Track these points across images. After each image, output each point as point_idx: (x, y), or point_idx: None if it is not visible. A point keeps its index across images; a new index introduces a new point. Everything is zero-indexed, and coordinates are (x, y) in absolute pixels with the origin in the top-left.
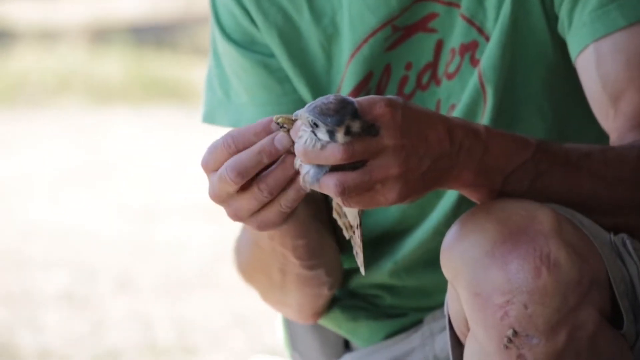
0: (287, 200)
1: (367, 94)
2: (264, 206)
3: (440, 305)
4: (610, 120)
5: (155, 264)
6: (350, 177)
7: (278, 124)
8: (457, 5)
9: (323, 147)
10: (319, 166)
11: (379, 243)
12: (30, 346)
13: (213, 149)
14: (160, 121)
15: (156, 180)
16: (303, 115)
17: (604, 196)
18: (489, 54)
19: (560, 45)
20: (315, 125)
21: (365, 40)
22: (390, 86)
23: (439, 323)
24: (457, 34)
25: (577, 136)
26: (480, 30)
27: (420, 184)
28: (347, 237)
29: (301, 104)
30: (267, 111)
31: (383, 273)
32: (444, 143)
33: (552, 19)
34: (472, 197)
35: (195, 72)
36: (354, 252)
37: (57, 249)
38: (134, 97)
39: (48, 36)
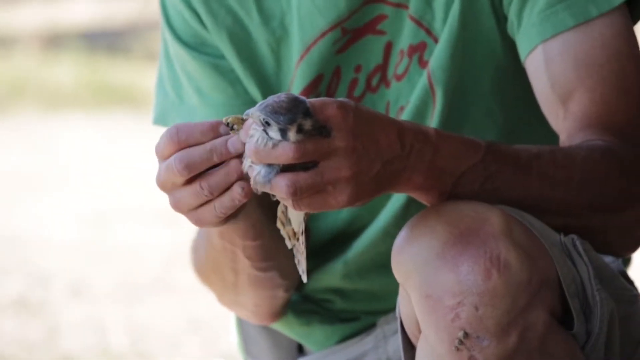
0: (221, 205)
1: (317, 96)
2: (203, 204)
3: (393, 308)
4: (560, 121)
5: (109, 269)
6: (302, 177)
7: (227, 124)
8: (406, 7)
9: (274, 145)
10: (270, 166)
11: (329, 245)
12: None
13: (162, 138)
14: (113, 127)
15: (110, 185)
16: (255, 114)
17: (553, 197)
18: (437, 55)
19: (510, 46)
20: (267, 123)
21: (314, 42)
22: (340, 89)
23: (391, 326)
24: (406, 35)
25: (527, 137)
26: (429, 31)
27: (371, 187)
28: (290, 247)
29: (253, 105)
30: (220, 112)
31: (334, 276)
32: (394, 146)
33: (501, 19)
34: (423, 199)
35: (148, 78)
36: (296, 261)
37: (11, 255)
38: (87, 103)
39: (1, 43)
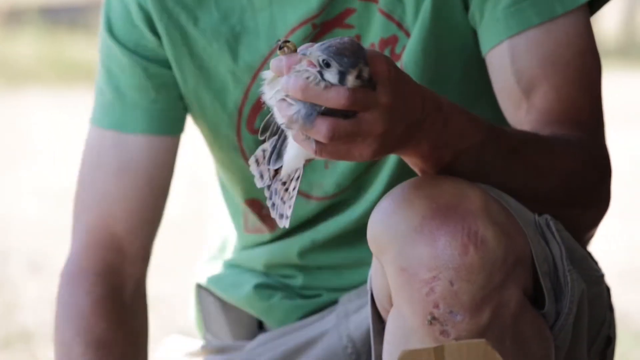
0: None
1: None
2: None
3: (354, 285)
4: (523, 114)
5: (68, 246)
6: (343, 125)
7: (279, 42)
8: (375, 1)
9: (326, 87)
10: (312, 107)
11: (299, 221)
12: None
13: None
14: (74, 102)
15: (70, 162)
16: (314, 54)
17: (535, 185)
18: (410, 49)
19: (474, 37)
20: (327, 65)
21: (286, 37)
22: None
23: (353, 304)
24: (376, 29)
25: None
26: (400, 25)
27: (391, 145)
28: (259, 186)
29: (170, 112)
30: (136, 114)
31: (299, 252)
32: (417, 109)
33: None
34: (418, 168)
35: None
36: (269, 203)
37: None
38: (48, 79)
39: None
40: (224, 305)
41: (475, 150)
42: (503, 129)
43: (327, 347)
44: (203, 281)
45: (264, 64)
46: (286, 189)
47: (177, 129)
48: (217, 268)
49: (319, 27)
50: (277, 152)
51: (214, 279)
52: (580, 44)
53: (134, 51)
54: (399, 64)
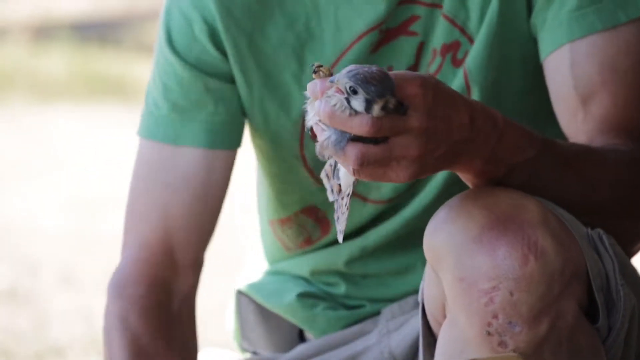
0: None
1: None
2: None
3: (397, 296)
4: (579, 122)
5: (98, 258)
6: (372, 150)
7: (314, 67)
8: (440, 6)
9: (352, 115)
10: (342, 133)
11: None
12: None
13: None
14: (103, 117)
15: (100, 174)
16: (342, 81)
17: (588, 198)
18: (474, 54)
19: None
20: (354, 92)
21: (351, 46)
22: None
23: (396, 320)
24: (439, 34)
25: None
26: (463, 30)
27: (433, 166)
28: (331, 200)
29: (228, 126)
30: (194, 128)
31: (346, 259)
32: (465, 128)
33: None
34: (471, 182)
35: (138, 69)
36: (335, 217)
37: (0, 244)
38: (78, 94)
39: None
40: (264, 312)
41: (529, 164)
42: (556, 142)
43: None
44: (243, 288)
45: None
46: (345, 204)
47: (234, 143)
48: (259, 275)
49: (384, 33)
50: (335, 169)
51: (255, 286)
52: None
53: (194, 65)
54: (461, 70)
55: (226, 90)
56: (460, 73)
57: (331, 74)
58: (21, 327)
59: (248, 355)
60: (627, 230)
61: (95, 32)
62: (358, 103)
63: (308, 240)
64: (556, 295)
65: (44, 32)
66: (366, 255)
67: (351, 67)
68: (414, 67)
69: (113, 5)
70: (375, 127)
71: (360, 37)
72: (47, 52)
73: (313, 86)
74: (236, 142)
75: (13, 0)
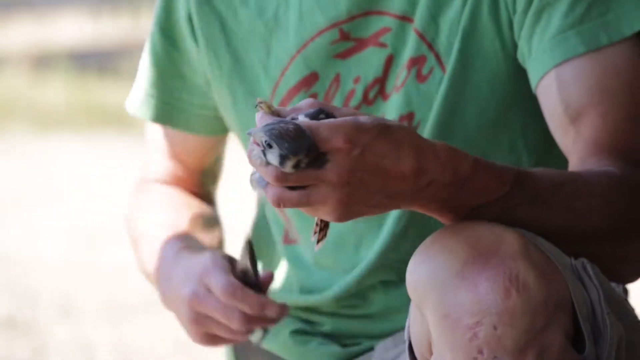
0: None
1: (310, 95)
2: None
3: (390, 332)
4: (570, 144)
5: (98, 289)
6: (288, 195)
7: (257, 103)
8: (411, 20)
9: (263, 163)
10: None
11: (331, 266)
12: None
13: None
14: (103, 147)
15: (99, 205)
16: (257, 135)
17: (572, 228)
18: (445, 78)
19: (518, 74)
20: (269, 146)
21: (312, 39)
22: (338, 98)
23: (390, 353)
24: (408, 49)
25: (533, 164)
26: (430, 46)
27: (368, 211)
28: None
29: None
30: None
31: (332, 300)
32: (406, 182)
33: (509, 47)
34: (433, 216)
35: None
36: (314, 230)
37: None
38: (78, 124)
39: None
40: (259, 350)
41: (499, 202)
42: (532, 175)
43: None
44: None
45: (291, 62)
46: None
47: (214, 131)
48: None
49: (354, 42)
50: None
51: None
52: (629, 74)
53: (170, 39)
54: (423, 87)
55: (191, 76)
56: (423, 89)
57: (272, 110)
58: (20, 357)
59: None
60: (623, 251)
61: (94, 61)
62: (273, 157)
63: (286, 238)
64: (541, 327)
65: (43, 62)
66: (351, 297)
67: (270, 121)
68: (382, 79)
69: (111, 35)
70: (282, 180)
71: (320, 32)
72: (46, 82)
73: (257, 119)
74: (215, 131)
75: (12, 30)
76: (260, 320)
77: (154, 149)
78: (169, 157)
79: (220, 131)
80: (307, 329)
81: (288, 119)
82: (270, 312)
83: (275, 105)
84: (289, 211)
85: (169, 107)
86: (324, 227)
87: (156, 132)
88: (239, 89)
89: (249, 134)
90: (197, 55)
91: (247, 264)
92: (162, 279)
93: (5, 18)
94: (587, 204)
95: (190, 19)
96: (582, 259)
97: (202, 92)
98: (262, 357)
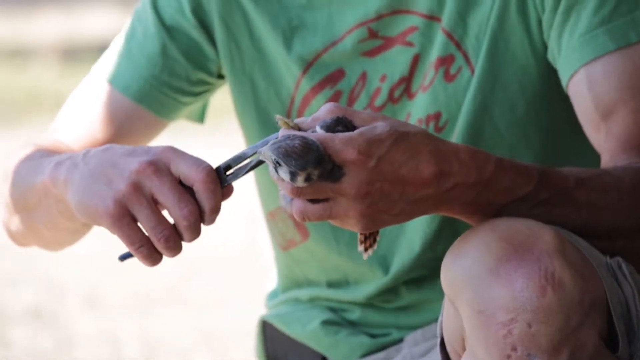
0: None
1: (334, 93)
2: None
3: (420, 325)
4: (602, 141)
5: (123, 281)
6: (311, 209)
7: (277, 121)
8: (439, 19)
9: (279, 180)
10: None
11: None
12: None
13: None
14: None
15: None
16: (266, 154)
17: (599, 222)
18: (473, 78)
19: (546, 72)
20: (278, 164)
21: (342, 38)
22: (363, 96)
23: (419, 347)
24: (436, 48)
25: (561, 163)
26: (459, 46)
27: (392, 219)
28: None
29: (161, 94)
30: (134, 79)
31: (369, 292)
32: (429, 185)
33: (538, 46)
34: (460, 218)
35: None
36: (360, 240)
37: (25, 266)
38: None
39: (19, 54)
40: (288, 340)
41: (527, 199)
42: (557, 173)
43: None
44: (267, 316)
45: (316, 59)
46: None
47: (163, 112)
48: (281, 304)
49: (382, 40)
50: None
51: (279, 315)
52: None
53: (167, 27)
54: (451, 86)
55: (180, 67)
56: (451, 88)
57: (292, 125)
58: (45, 349)
59: None
60: None
61: None
62: (283, 174)
63: (292, 242)
64: (575, 325)
65: (71, 54)
66: (388, 291)
67: (275, 138)
68: (408, 78)
69: None
70: (298, 194)
71: (350, 31)
72: (74, 74)
73: (279, 136)
74: (165, 114)
75: (40, 22)
76: (195, 225)
77: (68, 122)
78: (86, 130)
79: (174, 116)
80: (337, 319)
81: (308, 131)
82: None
83: (298, 101)
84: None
85: (148, 86)
86: (369, 235)
87: (81, 101)
88: (260, 81)
89: (258, 152)
90: (205, 47)
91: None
92: (76, 166)
93: (34, 10)
94: (614, 199)
95: (196, 11)
96: (618, 258)
97: (185, 77)
98: (291, 347)
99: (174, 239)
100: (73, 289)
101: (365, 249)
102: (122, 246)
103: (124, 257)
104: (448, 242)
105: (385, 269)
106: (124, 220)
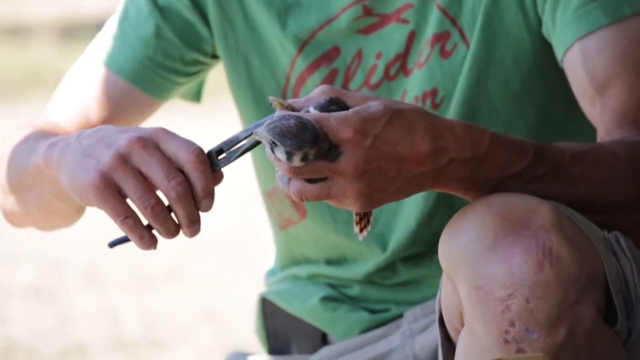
0: None
1: (330, 72)
2: None
3: (419, 300)
4: (597, 115)
5: (123, 258)
6: (308, 189)
7: (270, 103)
8: None
9: (276, 160)
10: None
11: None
12: None
13: None
14: None
15: None
16: (262, 134)
17: (595, 197)
18: (469, 52)
19: (542, 48)
20: (274, 144)
21: (337, 16)
22: (359, 73)
23: (419, 323)
24: (431, 24)
25: (557, 137)
26: (454, 22)
27: (390, 198)
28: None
29: (155, 75)
30: (128, 59)
31: (367, 269)
32: (425, 163)
33: (532, 21)
34: (457, 194)
35: None
36: (355, 221)
37: (25, 243)
38: None
39: (18, 32)
40: (287, 317)
41: (523, 174)
42: (552, 147)
43: None
44: (266, 293)
45: (311, 38)
46: None
47: (157, 93)
48: (280, 281)
49: (377, 17)
50: None
51: (277, 291)
52: None
53: (160, 8)
54: (447, 63)
55: (175, 48)
56: (447, 65)
57: (285, 105)
58: (45, 326)
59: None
60: None
61: None
62: (280, 154)
63: (289, 221)
64: (573, 300)
65: (70, 32)
66: (387, 267)
67: (271, 119)
68: (403, 55)
69: None
70: (295, 174)
71: (344, 9)
72: (73, 52)
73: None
74: (159, 94)
75: (39, 1)
76: (185, 199)
77: (62, 102)
78: (79, 111)
79: (169, 96)
80: (336, 295)
81: (302, 111)
82: (210, 199)
83: (293, 80)
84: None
85: (142, 67)
86: (364, 215)
87: (77, 82)
88: (255, 61)
89: (254, 133)
90: (199, 27)
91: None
92: (69, 146)
93: None
94: (610, 174)
95: None
96: (616, 232)
97: (179, 58)
98: (291, 323)
99: (164, 213)
100: (73, 267)
101: (361, 230)
102: (118, 229)
103: (114, 244)
104: (444, 218)
105: (383, 247)
106: (108, 191)
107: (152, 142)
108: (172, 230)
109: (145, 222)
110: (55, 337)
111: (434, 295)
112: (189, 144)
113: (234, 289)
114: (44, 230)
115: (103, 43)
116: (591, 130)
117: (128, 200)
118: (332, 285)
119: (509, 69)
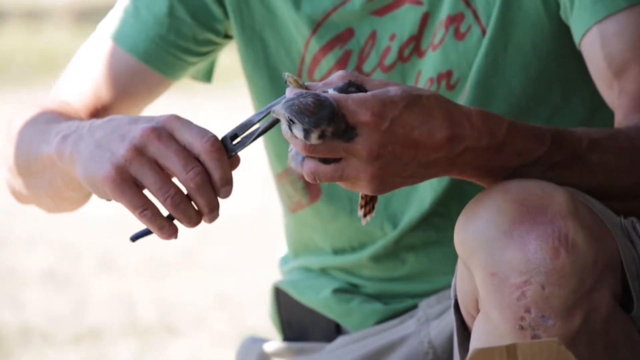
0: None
1: (344, 53)
2: None
3: (433, 291)
4: (615, 98)
5: (138, 244)
6: (322, 169)
7: (286, 79)
8: None
9: (293, 137)
10: None
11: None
12: (11, 324)
13: None
14: None
15: None
16: (280, 112)
17: (612, 184)
18: (485, 37)
19: (560, 31)
20: (292, 121)
21: None
22: (373, 55)
23: (434, 309)
24: (445, 6)
25: (575, 122)
26: (468, 3)
27: (404, 182)
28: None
29: (167, 54)
30: (141, 38)
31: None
32: (441, 149)
33: (550, 4)
34: (472, 181)
35: None
36: (360, 204)
37: (41, 228)
38: None
39: (34, 16)
40: (302, 307)
41: (540, 161)
42: (569, 134)
43: (408, 353)
44: (280, 283)
45: (325, 19)
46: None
47: (168, 72)
48: (293, 270)
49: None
50: None
51: (291, 282)
52: None
53: None
54: (462, 44)
55: (187, 27)
56: (461, 46)
57: (300, 84)
58: (60, 310)
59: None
60: None
61: None
62: (297, 131)
63: (299, 204)
64: (589, 287)
65: (85, 15)
66: (398, 254)
67: (289, 95)
68: (417, 36)
69: None
70: (311, 151)
71: None
72: (88, 35)
73: (287, 95)
74: (170, 73)
75: None
76: (204, 189)
77: (73, 81)
78: (91, 89)
79: (180, 75)
80: (349, 287)
81: (318, 92)
82: (229, 185)
83: (308, 61)
84: None
85: (154, 46)
86: (369, 200)
87: (94, 58)
88: (271, 40)
89: (272, 111)
90: (212, 7)
91: (228, 135)
92: (82, 138)
93: None
94: (627, 161)
95: None
96: (632, 218)
97: (192, 37)
98: (305, 313)
99: (184, 202)
100: (88, 252)
101: (365, 215)
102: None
103: (135, 237)
104: (457, 201)
105: (394, 225)
106: (125, 184)
107: (166, 132)
108: (193, 219)
109: (165, 212)
110: (70, 322)
111: (445, 287)
112: (203, 132)
113: (249, 275)
114: (49, 212)
115: (115, 21)
116: (609, 115)
117: (145, 191)
118: (344, 277)
119: (527, 53)
